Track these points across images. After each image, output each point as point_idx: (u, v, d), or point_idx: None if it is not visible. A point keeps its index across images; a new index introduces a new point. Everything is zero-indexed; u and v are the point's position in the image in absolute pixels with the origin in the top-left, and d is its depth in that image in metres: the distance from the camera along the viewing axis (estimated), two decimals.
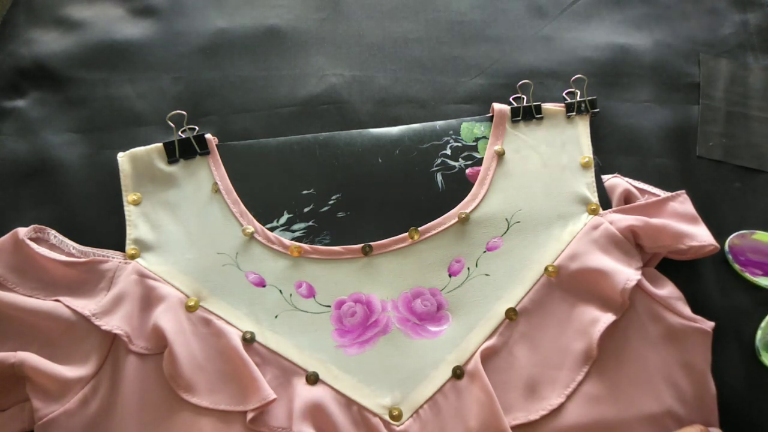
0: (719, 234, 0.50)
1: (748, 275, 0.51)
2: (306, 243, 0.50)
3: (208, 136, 0.54)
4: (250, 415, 0.41)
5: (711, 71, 0.62)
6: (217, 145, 0.54)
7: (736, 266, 0.51)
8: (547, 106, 0.56)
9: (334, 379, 0.45)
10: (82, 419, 0.42)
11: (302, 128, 0.57)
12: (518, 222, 0.51)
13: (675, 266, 0.49)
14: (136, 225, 0.50)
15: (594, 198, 0.52)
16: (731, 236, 0.52)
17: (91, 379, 0.43)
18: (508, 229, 0.51)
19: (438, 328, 0.47)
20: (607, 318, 0.45)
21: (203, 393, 0.42)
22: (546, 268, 0.48)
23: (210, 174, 0.53)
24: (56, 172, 0.54)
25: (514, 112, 0.56)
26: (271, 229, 0.51)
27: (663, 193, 0.51)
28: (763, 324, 0.49)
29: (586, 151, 0.54)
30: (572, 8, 0.66)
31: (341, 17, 0.65)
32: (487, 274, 0.49)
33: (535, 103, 0.56)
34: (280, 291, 0.48)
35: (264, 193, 0.52)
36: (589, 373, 0.44)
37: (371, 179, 0.54)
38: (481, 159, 0.54)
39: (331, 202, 0.52)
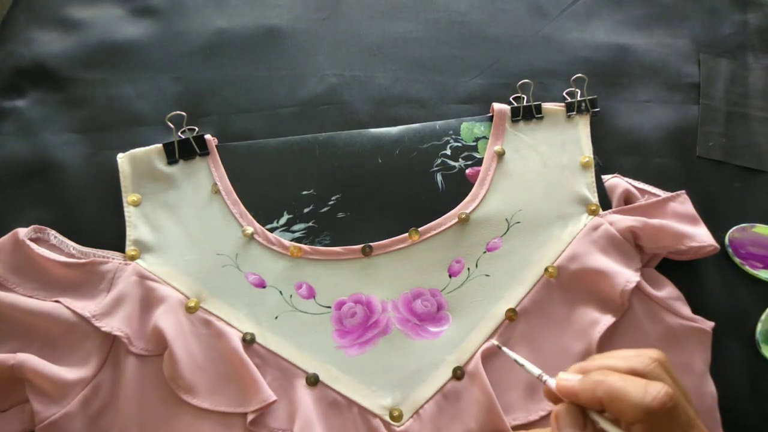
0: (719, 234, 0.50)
1: (748, 268, 0.51)
2: (306, 244, 0.50)
3: (207, 136, 0.53)
4: (250, 417, 0.42)
5: (711, 71, 0.62)
6: (216, 145, 0.54)
7: (737, 259, 0.51)
8: (547, 106, 0.56)
9: (335, 380, 0.45)
10: (82, 421, 0.42)
11: (302, 128, 0.57)
12: (518, 222, 0.51)
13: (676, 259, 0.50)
14: (136, 226, 0.49)
15: (594, 198, 0.52)
16: (731, 230, 0.53)
17: (91, 381, 0.43)
18: (508, 230, 0.51)
19: (438, 328, 0.47)
20: (606, 320, 0.45)
21: (203, 394, 0.42)
22: (546, 269, 0.48)
23: (210, 175, 0.52)
24: (56, 172, 0.54)
25: (514, 112, 0.56)
26: (271, 230, 0.51)
27: (663, 194, 0.51)
28: (763, 317, 0.49)
29: (587, 151, 0.54)
30: (572, 8, 0.66)
31: (341, 17, 0.65)
32: (487, 275, 0.49)
33: (535, 103, 0.56)
34: (280, 292, 0.48)
35: (264, 194, 0.52)
36: None
37: (371, 179, 0.54)
38: (481, 159, 0.54)
39: (331, 202, 0.52)
